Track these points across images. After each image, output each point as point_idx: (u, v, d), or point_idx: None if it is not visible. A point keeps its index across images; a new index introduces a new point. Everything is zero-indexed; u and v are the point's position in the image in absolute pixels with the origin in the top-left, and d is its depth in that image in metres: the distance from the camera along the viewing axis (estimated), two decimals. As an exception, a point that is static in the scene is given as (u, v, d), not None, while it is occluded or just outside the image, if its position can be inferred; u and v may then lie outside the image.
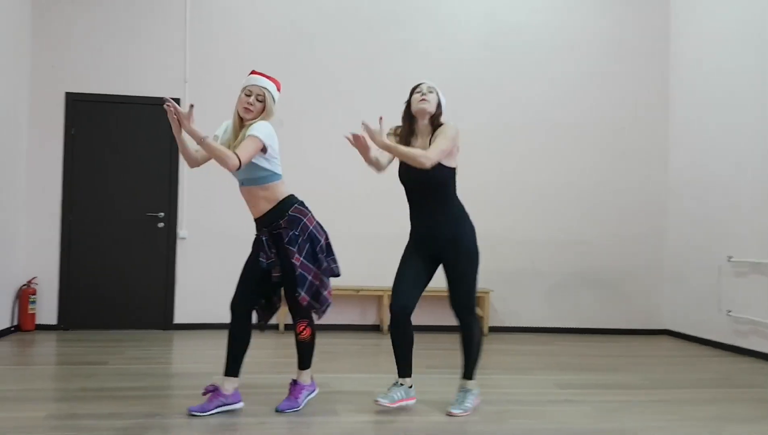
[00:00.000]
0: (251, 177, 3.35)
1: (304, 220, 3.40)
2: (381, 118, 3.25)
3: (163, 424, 3.22)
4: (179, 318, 6.30)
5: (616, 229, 6.85)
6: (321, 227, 3.49)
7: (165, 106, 3.12)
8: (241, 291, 3.43)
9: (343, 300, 6.43)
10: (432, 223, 3.51)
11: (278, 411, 3.45)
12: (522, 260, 6.72)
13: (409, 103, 3.56)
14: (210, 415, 3.36)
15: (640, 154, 6.92)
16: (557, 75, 6.82)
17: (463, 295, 3.50)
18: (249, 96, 3.37)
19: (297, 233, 3.35)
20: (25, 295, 5.94)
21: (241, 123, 3.41)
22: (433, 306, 6.46)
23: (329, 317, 6.26)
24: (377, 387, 4.05)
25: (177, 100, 6.16)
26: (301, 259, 3.34)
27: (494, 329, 6.58)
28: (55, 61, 6.18)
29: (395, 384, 3.57)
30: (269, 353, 5.26)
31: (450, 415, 3.50)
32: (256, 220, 3.46)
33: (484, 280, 6.60)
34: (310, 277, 3.36)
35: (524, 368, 4.89)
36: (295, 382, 3.57)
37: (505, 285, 6.66)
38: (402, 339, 3.53)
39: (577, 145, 6.86)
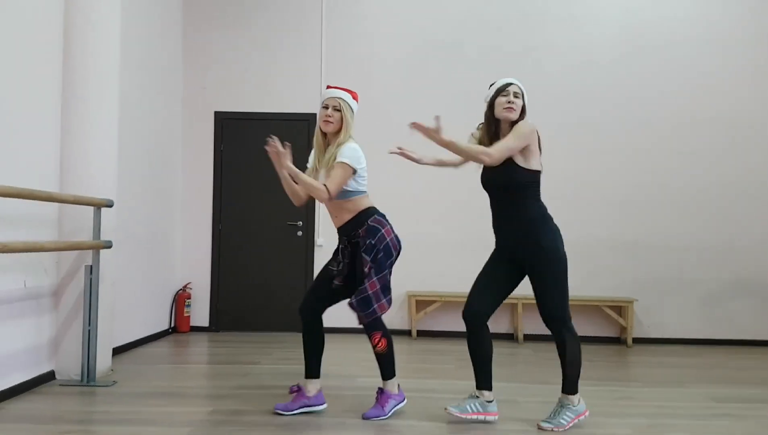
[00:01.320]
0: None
1: (383, 230, 3.43)
2: (438, 117, 3.15)
3: (321, 422, 3.37)
4: (318, 323, 6.55)
5: (773, 234, 6.34)
6: (398, 241, 3.50)
7: (267, 147, 3.29)
8: (308, 297, 3.53)
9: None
10: (511, 228, 3.35)
11: (364, 418, 3.45)
12: (668, 267, 6.37)
13: (492, 104, 3.40)
14: (293, 414, 3.46)
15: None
16: (705, 72, 6.43)
17: (551, 305, 3.27)
18: (326, 108, 3.49)
19: (373, 242, 3.39)
20: (181, 299, 6.44)
21: (324, 139, 3.54)
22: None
23: (462, 324, 6.35)
24: (520, 396, 4.00)
25: (314, 116, 6.46)
26: (372, 271, 3.36)
27: (638, 341, 6.27)
28: (205, 83, 6.67)
29: (471, 395, 3.42)
30: (401, 359, 5.33)
31: (539, 428, 3.32)
32: (337, 229, 3.54)
33: (627, 289, 6.37)
34: (370, 292, 3.37)
35: (675, 381, 4.63)
36: (381, 390, 3.55)
37: (649, 294, 6.35)
38: (476, 347, 3.38)
39: (733, 145, 6.42)
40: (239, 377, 4.42)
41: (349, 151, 3.40)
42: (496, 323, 6.46)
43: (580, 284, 6.36)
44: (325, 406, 3.58)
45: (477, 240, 6.47)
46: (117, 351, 5.04)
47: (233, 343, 5.93)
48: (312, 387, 3.54)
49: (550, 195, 6.31)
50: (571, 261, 6.27)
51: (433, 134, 3.12)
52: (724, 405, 3.92)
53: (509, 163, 3.28)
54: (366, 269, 3.37)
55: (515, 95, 3.34)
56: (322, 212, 6.60)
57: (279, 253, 6.64)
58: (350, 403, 3.77)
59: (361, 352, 5.45)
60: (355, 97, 3.58)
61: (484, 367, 3.38)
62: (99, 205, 4.08)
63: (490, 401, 3.40)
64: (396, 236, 3.50)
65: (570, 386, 3.35)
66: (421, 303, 6.30)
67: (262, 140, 6.70)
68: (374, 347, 3.47)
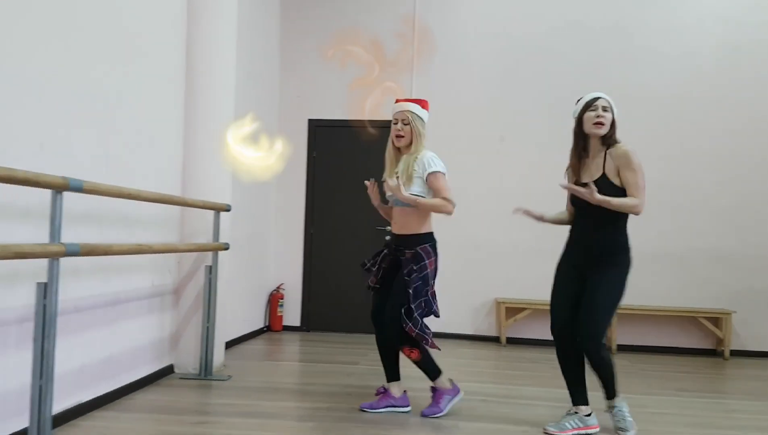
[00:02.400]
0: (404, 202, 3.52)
1: (426, 261, 3.48)
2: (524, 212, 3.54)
3: (437, 423, 3.47)
4: (405, 326, 6.67)
5: None
6: (435, 272, 3.54)
7: (367, 183, 3.55)
8: (374, 302, 3.66)
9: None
10: (592, 247, 3.29)
11: (423, 416, 3.54)
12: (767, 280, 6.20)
13: (580, 120, 3.34)
14: (378, 412, 3.59)
15: None
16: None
17: (592, 324, 3.20)
18: (396, 124, 3.57)
19: (415, 268, 3.46)
20: (274, 300, 6.69)
21: (397, 153, 3.63)
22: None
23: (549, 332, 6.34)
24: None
25: (406, 122, 6.60)
26: (411, 296, 3.42)
27: (736, 353, 6.11)
28: (299, 92, 6.91)
29: (568, 412, 3.40)
30: (490, 365, 5.38)
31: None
32: (392, 233, 3.65)
33: (725, 300, 6.21)
34: (416, 314, 3.44)
35: (784, 396, 4.51)
36: (434, 389, 3.63)
37: (748, 306, 6.18)
38: (567, 362, 3.35)
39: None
40: (345, 376, 4.58)
41: (436, 160, 3.50)
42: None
43: (677, 294, 6.25)
44: (409, 408, 3.67)
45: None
46: (227, 346, 5.29)
47: (325, 343, 6.11)
48: (396, 389, 3.65)
49: (648, 203, 6.26)
50: (667, 270, 6.27)
51: (589, 196, 3.11)
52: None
53: (606, 181, 3.24)
54: (408, 292, 3.44)
55: (604, 109, 3.28)
56: (411, 218, 6.71)
57: (367, 256, 6.77)
58: (458, 406, 3.86)
59: (464, 357, 5.54)
60: (424, 106, 3.63)
61: (577, 383, 3.38)
62: (219, 209, 4.32)
63: (588, 415, 3.38)
64: (436, 268, 3.54)
65: (608, 392, 3.34)
66: (511, 310, 6.33)
67: (353, 147, 6.91)
68: (409, 358, 3.58)
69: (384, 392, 3.68)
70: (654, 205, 6.32)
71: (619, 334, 6.23)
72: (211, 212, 4.35)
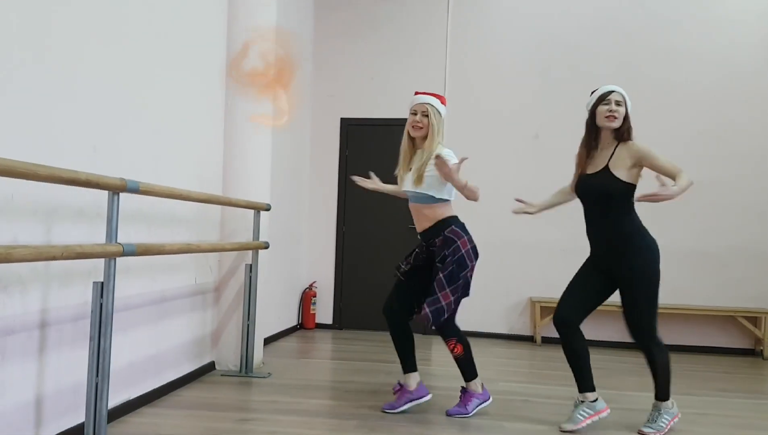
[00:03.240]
0: (420, 196, 3.53)
1: (458, 242, 3.45)
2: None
3: (481, 424, 3.48)
4: (437, 324, 6.68)
5: None
6: (474, 252, 3.51)
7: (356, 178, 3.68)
8: (389, 295, 3.69)
9: (605, 316, 6.34)
10: (604, 240, 3.35)
11: (448, 415, 3.54)
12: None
13: (593, 112, 3.38)
14: (400, 411, 3.58)
15: None
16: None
17: (637, 319, 3.28)
18: (415, 114, 3.57)
19: (447, 253, 3.43)
20: (307, 298, 6.74)
21: (412, 144, 3.63)
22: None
23: (591, 333, 6.31)
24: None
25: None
26: (445, 282, 3.40)
27: (775, 353, 6.04)
28: (332, 91, 6.95)
29: (575, 402, 3.42)
30: (524, 364, 5.36)
31: (641, 434, 3.32)
32: (419, 234, 3.63)
33: (764, 299, 6.12)
34: (443, 303, 3.41)
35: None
36: (464, 390, 3.62)
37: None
38: (569, 352, 3.38)
39: None
40: (383, 374, 4.61)
41: (453, 156, 3.49)
42: (625, 332, 6.35)
43: (714, 293, 6.18)
44: (429, 396, 3.67)
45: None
46: (265, 343, 5.36)
47: (358, 341, 6.15)
48: (412, 381, 3.65)
49: (682, 202, 6.20)
50: (705, 269, 6.19)
51: (668, 195, 3.04)
52: None
53: (608, 173, 3.29)
54: (440, 279, 3.42)
55: (617, 103, 3.31)
56: (443, 216, 6.72)
57: (399, 255, 6.79)
58: (495, 406, 3.86)
59: (499, 357, 5.53)
60: (443, 102, 3.63)
61: (582, 371, 3.40)
62: (259, 209, 4.37)
63: (595, 400, 3.41)
64: (473, 247, 3.51)
65: (662, 393, 3.38)
66: (546, 309, 6.31)
67: (385, 145, 6.92)
68: (451, 352, 3.56)
69: (400, 388, 3.67)
70: (691, 204, 6.25)
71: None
72: (251, 211, 4.40)
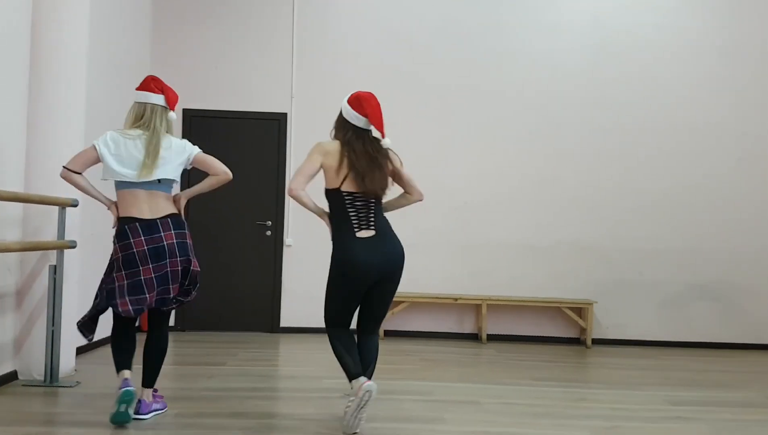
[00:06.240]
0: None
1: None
2: None
3: (283, 425, 3.41)
4: (285, 322, 6.58)
5: (732, 240, 6.55)
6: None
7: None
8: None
9: (442, 308, 6.51)
10: None
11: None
12: (628, 270, 6.55)
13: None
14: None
15: (763, 162, 6.58)
16: (671, 79, 6.62)
17: None
18: None
19: None
20: (147, 298, 6.39)
21: None
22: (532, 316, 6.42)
23: (428, 324, 6.46)
24: (482, 397, 4.10)
25: (284, 116, 6.56)
26: None
27: (597, 341, 6.44)
28: (174, 80, 6.60)
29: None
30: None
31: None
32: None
33: (588, 290, 6.51)
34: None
35: (632, 383, 4.77)
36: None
37: (609, 296, 6.51)
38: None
39: (698, 150, 6.61)
40: (205, 379, 4.43)
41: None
42: (462, 323, 6.56)
43: (543, 285, 6.50)
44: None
45: (444, 242, 6.57)
46: (81, 350, 5.00)
47: (199, 343, 5.92)
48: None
49: (516, 197, 6.48)
50: (535, 262, 6.49)
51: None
52: (678, 408, 4.06)
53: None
54: None
55: None
56: (291, 212, 6.62)
57: (247, 252, 6.64)
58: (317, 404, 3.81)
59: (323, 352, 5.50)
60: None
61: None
62: (64, 205, 4.05)
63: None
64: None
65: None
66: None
67: (231, 139, 6.70)
68: None
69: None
70: (519, 198, 6.57)
71: (489, 324, 6.41)
72: (56, 208, 4.07)
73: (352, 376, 3.25)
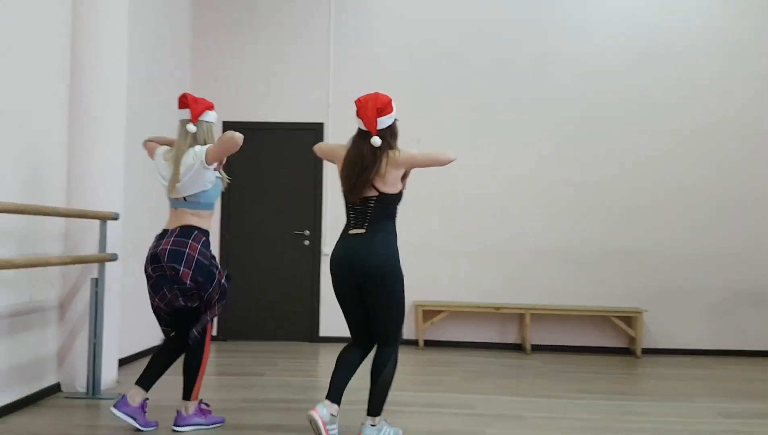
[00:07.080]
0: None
1: None
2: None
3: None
4: (324, 331, 6.55)
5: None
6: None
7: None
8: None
9: (483, 317, 6.39)
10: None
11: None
12: (677, 277, 6.31)
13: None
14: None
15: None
16: (716, 79, 6.39)
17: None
18: None
19: None
20: (188, 309, 6.44)
21: None
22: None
23: (469, 334, 6.33)
24: (526, 411, 3.98)
25: (321, 125, 6.57)
26: None
27: (647, 351, 6.20)
28: (213, 93, 6.68)
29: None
30: (407, 370, 5.31)
31: None
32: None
33: (637, 299, 6.30)
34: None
35: (683, 394, 4.57)
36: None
37: (659, 304, 6.28)
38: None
39: (746, 153, 6.36)
40: (244, 389, 4.42)
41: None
42: (504, 333, 6.42)
43: (585, 293, 6.32)
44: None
45: (483, 249, 6.46)
46: (123, 362, 5.06)
47: (239, 352, 5.93)
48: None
49: (553, 203, 6.32)
50: (578, 270, 6.31)
51: None
52: (732, 421, 3.87)
53: None
54: None
55: None
56: (329, 221, 6.60)
57: (286, 262, 6.64)
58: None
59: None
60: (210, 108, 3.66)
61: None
62: (105, 218, 4.10)
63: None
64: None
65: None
66: (429, 313, 6.28)
67: (269, 149, 6.74)
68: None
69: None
70: (566, 205, 6.40)
71: (533, 334, 6.25)
72: (97, 222, 4.12)
73: (326, 396, 3.19)
